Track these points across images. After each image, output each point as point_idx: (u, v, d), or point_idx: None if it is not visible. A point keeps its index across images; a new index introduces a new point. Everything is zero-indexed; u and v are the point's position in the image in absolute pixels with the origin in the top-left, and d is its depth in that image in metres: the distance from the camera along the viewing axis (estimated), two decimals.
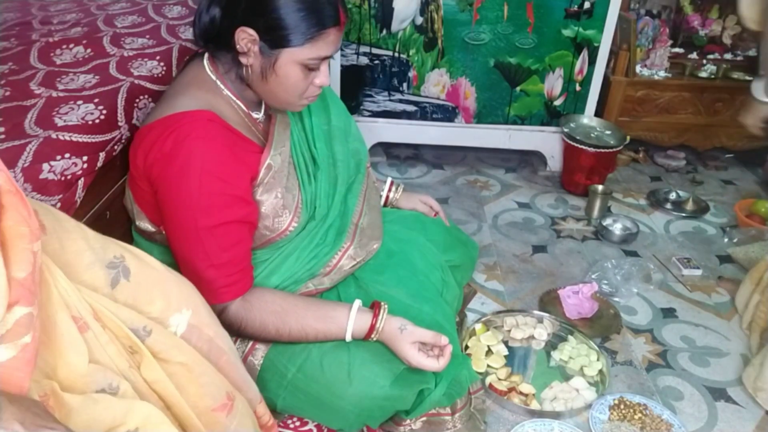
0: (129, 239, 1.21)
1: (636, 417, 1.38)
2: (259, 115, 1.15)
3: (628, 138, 2.35)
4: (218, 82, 1.07)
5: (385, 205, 1.47)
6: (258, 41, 0.99)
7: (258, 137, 1.12)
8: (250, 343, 1.13)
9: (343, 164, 1.25)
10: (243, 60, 1.03)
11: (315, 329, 1.07)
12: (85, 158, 1.12)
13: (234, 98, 1.09)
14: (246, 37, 0.99)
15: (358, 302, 1.09)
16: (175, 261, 1.05)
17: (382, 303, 1.10)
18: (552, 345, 1.63)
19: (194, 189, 0.97)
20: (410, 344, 1.06)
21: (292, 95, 1.06)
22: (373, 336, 1.08)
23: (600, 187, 2.27)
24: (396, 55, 2.33)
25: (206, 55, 1.09)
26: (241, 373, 0.91)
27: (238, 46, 1.01)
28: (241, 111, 1.10)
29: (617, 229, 2.15)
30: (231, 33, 1.00)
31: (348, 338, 1.07)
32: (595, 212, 2.26)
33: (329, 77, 1.09)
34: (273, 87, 1.05)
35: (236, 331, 1.05)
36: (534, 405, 1.43)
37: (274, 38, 0.99)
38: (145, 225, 1.12)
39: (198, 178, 0.97)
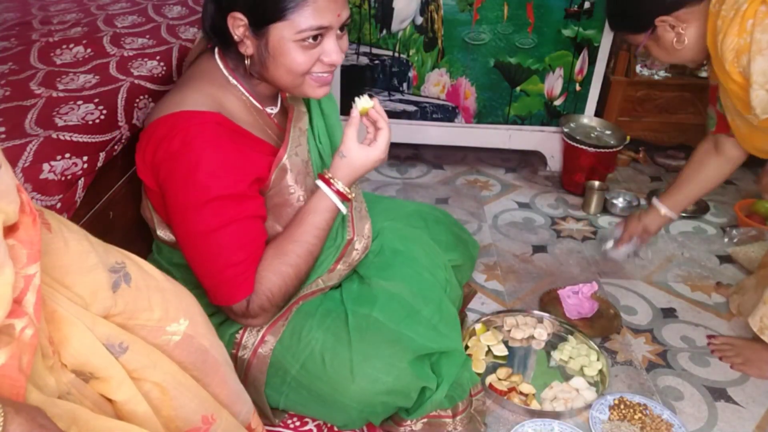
0: (130, 241, 1.21)
1: (636, 417, 1.39)
2: (274, 110, 1.12)
3: (628, 138, 2.35)
4: (230, 77, 1.05)
5: None
6: (248, 25, 0.96)
7: (271, 136, 1.10)
8: (260, 335, 1.11)
9: None
10: (242, 50, 1.00)
11: (306, 230, 1.06)
12: (85, 158, 1.11)
13: (246, 93, 1.06)
14: (237, 23, 0.96)
15: (319, 182, 1.09)
16: (191, 266, 1.04)
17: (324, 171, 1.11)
18: (552, 345, 1.63)
19: (201, 191, 0.96)
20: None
21: (295, 76, 1.00)
22: (341, 184, 1.08)
23: (596, 183, 2.28)
24: (396, 55, 2.33)
25: (217, 49, 1.07)
26: (233, 386, 0.90)
27: (235, 37, 0.98)
28: (253, 108, 1.08)
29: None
30: (226, 24, 0.97)
31: (342, 207, 1.09)
32: (592, 208, 2.27)
33: (341, 54, 1.00)
34: (274, 72, 1.00)
35: (273, 309, 1.06)
36: (534, 405, 1.43)
37: (258, 15, 0.94)
38: (169, 235, 1.10)
39: (205, 181, 0.96)
